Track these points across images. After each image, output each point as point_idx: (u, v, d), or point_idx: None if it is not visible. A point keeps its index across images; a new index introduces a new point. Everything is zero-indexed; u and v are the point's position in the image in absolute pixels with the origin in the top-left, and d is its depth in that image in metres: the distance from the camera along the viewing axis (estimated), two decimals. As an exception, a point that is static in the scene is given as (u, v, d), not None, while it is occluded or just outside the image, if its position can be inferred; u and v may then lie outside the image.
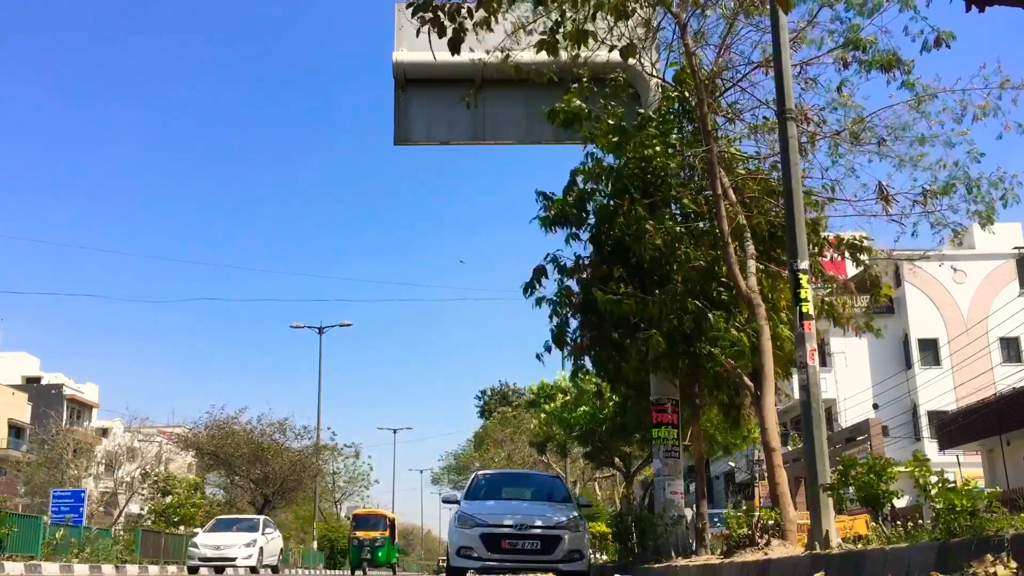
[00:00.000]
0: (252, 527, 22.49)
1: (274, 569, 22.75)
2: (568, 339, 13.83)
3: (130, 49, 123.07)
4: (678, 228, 11.75)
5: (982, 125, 10.25)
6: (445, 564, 11.97)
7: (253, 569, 21.12)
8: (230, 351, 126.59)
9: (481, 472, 14.63)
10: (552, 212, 13.54)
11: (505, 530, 10.48)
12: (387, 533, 29.00)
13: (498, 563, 10.47)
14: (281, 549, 23.91)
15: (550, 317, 13.67)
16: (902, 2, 9.46)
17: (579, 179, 13.51)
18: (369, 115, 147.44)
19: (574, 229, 13.59)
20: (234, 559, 20.73)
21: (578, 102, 12.23)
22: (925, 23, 9.08)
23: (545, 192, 13.78)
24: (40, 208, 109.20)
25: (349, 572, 29.61)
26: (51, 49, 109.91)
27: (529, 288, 13.61)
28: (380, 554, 28.39)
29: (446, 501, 12.13)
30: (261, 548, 21.55)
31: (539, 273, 13.70)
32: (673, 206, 12.87)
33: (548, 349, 13.77)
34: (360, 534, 28.44)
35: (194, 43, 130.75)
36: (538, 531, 10.51)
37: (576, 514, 11.16)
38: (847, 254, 12.46)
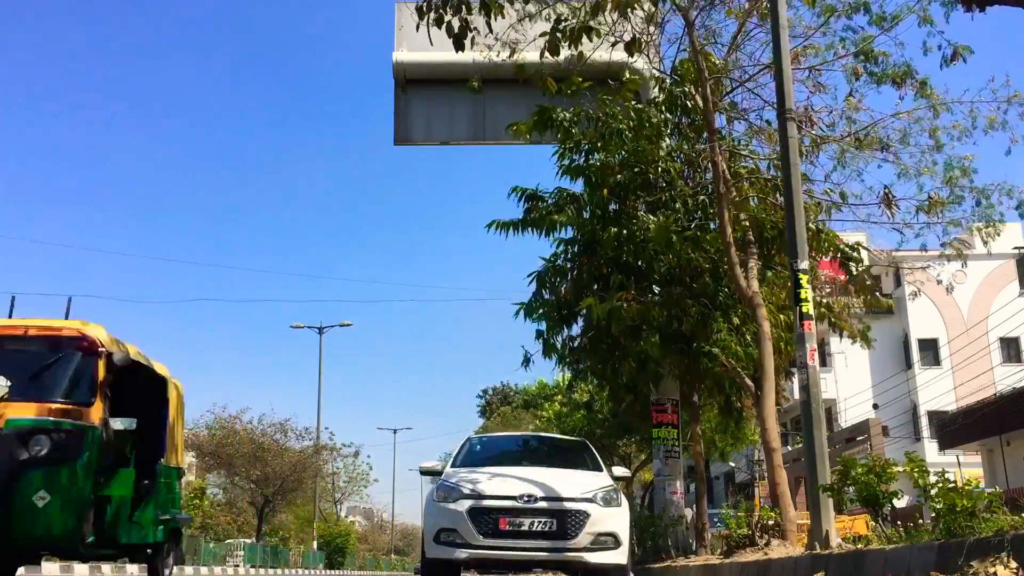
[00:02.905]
0: None
1: None
2: (557, 346, 13.55)
3: (131, 50, 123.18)
4: (669, 230, 11.65)
5: (990, 138, 10.14)
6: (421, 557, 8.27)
7: None
8: (230, 351, 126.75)
9: (476, 435, 10.69)
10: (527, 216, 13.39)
11: (505, 503, 7.32)
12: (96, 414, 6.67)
13: (494, 550, 7.31)
14: None
15: (533, 320, 13.44)
16: (921, 17, 9.38)
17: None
18: (369, 115, 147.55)
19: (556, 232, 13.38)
20: None
21: (561, 112, 12.35)
22: (942, 37, 9.01)
23: (522, 188, 13.54)
24: (41, 209, 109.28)
25: None
26: (54, 51, 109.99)
27: (534, 301, 13.33)
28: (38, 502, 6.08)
29: (426, 473, 8.60)
30: None
31: (542, 283, 13.46)
32: (675, 205, 12.84)
33: (526, 363, 13.63)
34: None
35: (193, 44, 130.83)
36: (553, 505, 7.35)
37: (610, 484, 7.99)
38: (840, 261, 12.43)
